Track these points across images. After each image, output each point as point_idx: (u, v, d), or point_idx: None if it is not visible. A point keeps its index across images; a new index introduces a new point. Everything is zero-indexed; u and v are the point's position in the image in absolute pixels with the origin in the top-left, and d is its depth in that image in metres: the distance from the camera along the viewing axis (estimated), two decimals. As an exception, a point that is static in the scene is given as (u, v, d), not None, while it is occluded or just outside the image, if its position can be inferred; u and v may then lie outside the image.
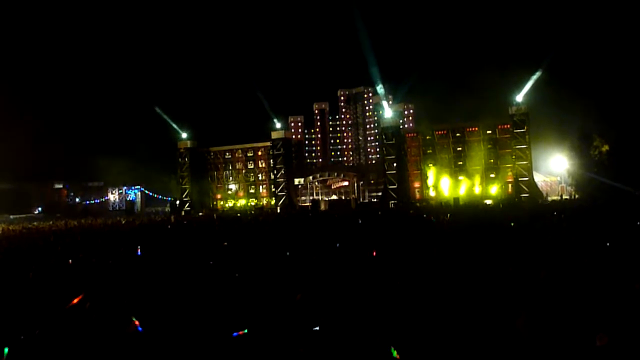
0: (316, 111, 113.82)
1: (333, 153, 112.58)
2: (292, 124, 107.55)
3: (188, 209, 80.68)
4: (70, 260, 15.07)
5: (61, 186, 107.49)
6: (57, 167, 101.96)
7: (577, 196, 62.35)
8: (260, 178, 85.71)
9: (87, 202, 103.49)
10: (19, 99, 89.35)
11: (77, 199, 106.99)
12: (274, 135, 79.59)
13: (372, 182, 77.13)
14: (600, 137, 64.05)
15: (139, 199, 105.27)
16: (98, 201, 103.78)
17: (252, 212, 67.16)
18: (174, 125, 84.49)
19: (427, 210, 38.47)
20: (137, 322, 6.90)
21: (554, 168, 74.03)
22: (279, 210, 70.56)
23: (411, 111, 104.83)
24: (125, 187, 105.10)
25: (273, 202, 78.69)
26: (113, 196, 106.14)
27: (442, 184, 69.90)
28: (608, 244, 12.85)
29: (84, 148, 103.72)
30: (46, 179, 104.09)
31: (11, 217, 79.59)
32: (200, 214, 71.18)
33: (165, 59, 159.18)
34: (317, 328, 6.54)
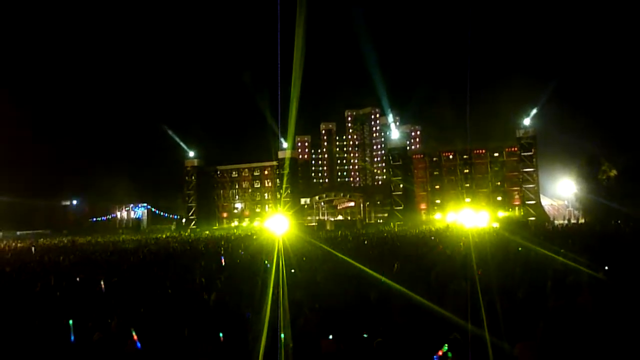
0: (323, 131, 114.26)
1: (339, 173, 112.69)
2: (299, 144, 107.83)
3: (194, 227, 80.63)
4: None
5: (68, 203, 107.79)
6: (64, 184, 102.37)
7: (583, 220, 61.91)
8: (266, 197, 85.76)
9: (94, 219, 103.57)
10: (27, 115, 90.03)
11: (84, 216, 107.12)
12: (281, 154, 79.77)
13: (379, 202, 77.01)
14: (608, 162, 63.87)
15: (145, 217, 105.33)
16: (105, 218, 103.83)
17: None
18: (182, 144, 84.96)
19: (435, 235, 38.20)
20: (135, 337, 6.87)
21: (561, 192, 73.72)
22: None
23: (418, 132, 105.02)
24: (132, 205, 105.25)
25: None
26: (120, 214, 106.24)
27: (448, 206, 69.69)
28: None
29: (91, 165, 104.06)
30: (53, 196, 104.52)
31: (17, 233, 79.76)
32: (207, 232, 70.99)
33: (173, 77, 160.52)
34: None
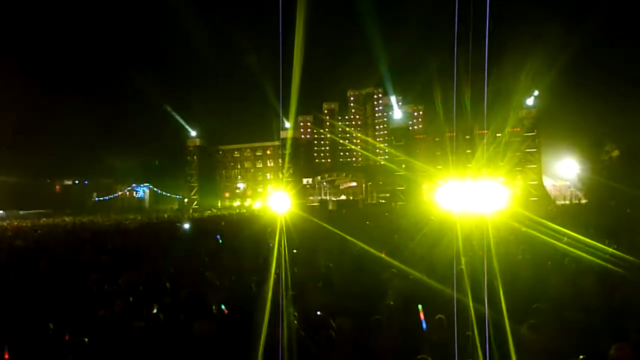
0: (325, 111, 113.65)
1: (342, 153, 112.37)
2: (302, 124, 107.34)
3: (196, 206, 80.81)
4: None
5: (70, 182, 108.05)
6: (67, 164, 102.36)
7: (584, 201, 61.94)
8: (268, 177, 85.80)
9: (97, 199, 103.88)
10: (30, 94, 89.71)
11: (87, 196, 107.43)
12: (283, 134, 79.57)
13: (381, 183, 77.02)
14: (611, 142, 63.65)
15: (147, 197, 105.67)
16: (107, 198, 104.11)
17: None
18: (183, 124, 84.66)
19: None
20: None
21: (564, 172, 73.61)
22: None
23: (421, 113, 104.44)
24: (134, 185, 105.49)
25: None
26: (122, 193, 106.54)
27: (449, 187, 69.67)
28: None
29: (94, 145, 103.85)
30: (56, 175, 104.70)
31: (21, 212, 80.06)
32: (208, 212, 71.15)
33: (174, 56, 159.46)
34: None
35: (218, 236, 20.40)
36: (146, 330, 6.86)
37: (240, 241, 19.30)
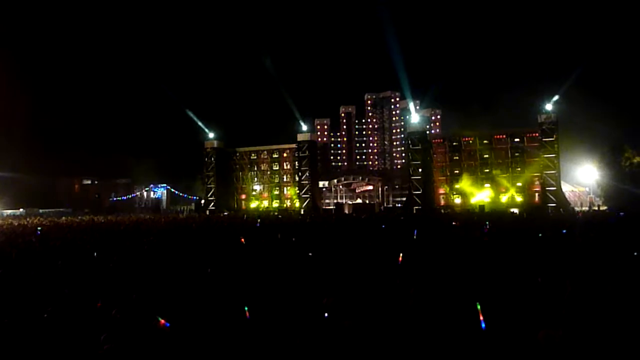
0: (343, 114, 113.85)
1: (358, 157, 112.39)
2: (319, 127, 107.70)
3: (213, 208, 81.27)
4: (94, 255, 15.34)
5: (90, 182, 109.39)
6: (86, 164, 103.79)
7: (604, 208, 61.15)
8: (285, 180, 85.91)
9: (115, 198, 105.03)
10: (50, 97, 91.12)
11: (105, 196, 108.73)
12: (300, 137, 79.55)
13: (397, 187, 76.80)
14: (631, 148, 62.85)
15: (164, 197, 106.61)
16: (125, 198, 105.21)
17: (276, 213, 67.30)
18: (202, 125, 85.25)
19: (455, 219, 38.07)
20: (162, 321, 7.01)
21: (583, 178, 72.83)
22: (302, 213, 70.56)
23: (438, 117, 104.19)
24: (152, 185, 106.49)
25: (297, 204, 78.49)
26: (140, 194, 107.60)
27: (467, 191, 69.33)
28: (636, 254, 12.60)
29: (114, 145, 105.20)
30: (75, 175, 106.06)
31: (40, 211, 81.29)
32: (226, 213, 71.56)
33: (195, 60, 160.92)
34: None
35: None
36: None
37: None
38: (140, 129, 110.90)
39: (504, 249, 15.25)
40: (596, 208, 62.12)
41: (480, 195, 68.30)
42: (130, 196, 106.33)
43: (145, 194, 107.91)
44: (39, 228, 32.92)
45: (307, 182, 77.33)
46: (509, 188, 68.06)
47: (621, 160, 63.08)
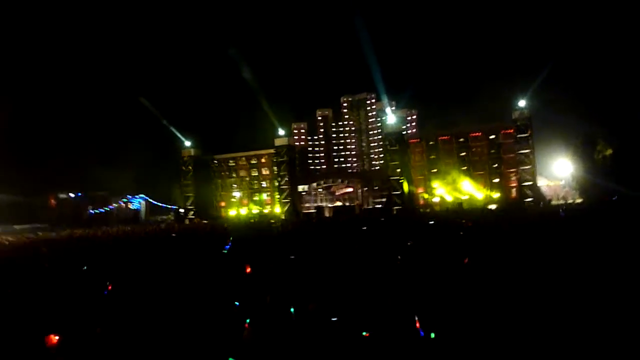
0: (319, 117, 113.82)
1: (337, 159, 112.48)
2: (296, 131, 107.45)
3: (192, 217, 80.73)
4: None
5: (65, 196, 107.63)
6: (61, 177, 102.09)
7: (579, 200, 62.14)
8: (264, 185, 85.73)
9: (92, 211, 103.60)
10: (20, 110, 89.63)
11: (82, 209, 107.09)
12: (278, 142, 79.51)
13: (376, 188, 77.12)
14: (604, 141, 64.03)
15: (143, 208, 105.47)
16: (103, 210, 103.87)
17: (255, 219, 67.15)
18: (178, 134, 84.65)
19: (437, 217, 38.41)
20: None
21: (558, 172, 73.99)
22: (283, 217, 70.39)
23: (414, 117, 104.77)
24: (129, 196, 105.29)
25: (278, 209, 78.26)
26: (118, 205, 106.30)
27: (445, 190, 69.94)
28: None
29: (88, 158, 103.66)
30: (50, 189, 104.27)
31: (16, 227, 79.69)
32: (205, 221, 71.12)
33: (168, 67, 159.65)
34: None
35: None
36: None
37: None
38: (114, 139, 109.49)
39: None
40: (571, 201, 63.13)
41: (458, 194, 68.99)
42: (108, 208, 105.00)
43: (123, 205, 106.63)
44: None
45: (286, 186, 77.35)
46: (486, 185, 68.85)
47: (594, 153, 64.23)
